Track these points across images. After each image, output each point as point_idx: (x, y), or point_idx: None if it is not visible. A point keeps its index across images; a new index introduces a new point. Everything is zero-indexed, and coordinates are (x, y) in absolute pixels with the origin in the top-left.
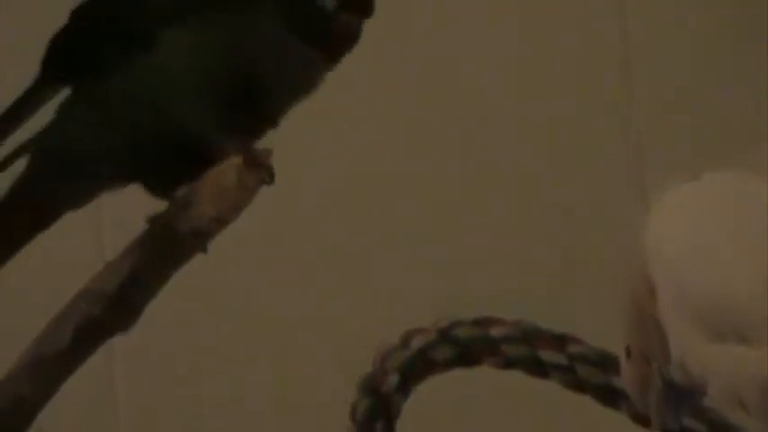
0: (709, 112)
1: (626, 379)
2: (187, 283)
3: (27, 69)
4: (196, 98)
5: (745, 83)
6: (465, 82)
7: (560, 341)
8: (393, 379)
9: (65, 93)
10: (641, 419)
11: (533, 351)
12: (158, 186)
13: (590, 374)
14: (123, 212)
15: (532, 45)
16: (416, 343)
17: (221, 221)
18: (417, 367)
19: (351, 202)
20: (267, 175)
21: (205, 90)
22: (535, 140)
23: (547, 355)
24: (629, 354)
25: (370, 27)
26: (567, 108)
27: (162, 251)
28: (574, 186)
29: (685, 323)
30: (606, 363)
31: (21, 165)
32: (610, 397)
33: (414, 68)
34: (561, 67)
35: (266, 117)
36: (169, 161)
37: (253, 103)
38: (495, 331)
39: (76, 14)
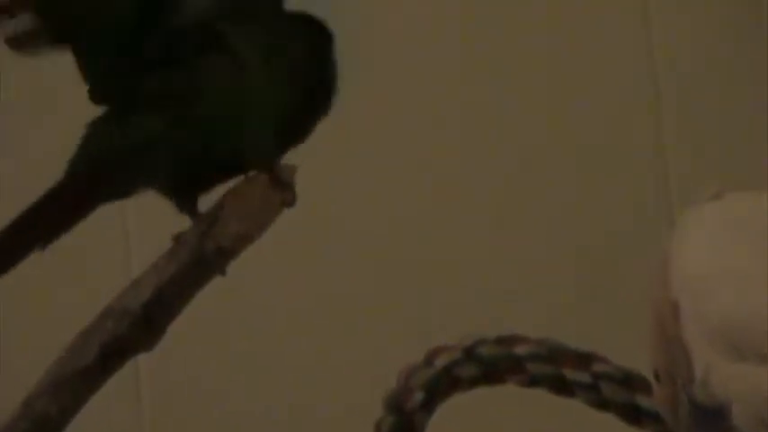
0: (737, 133)
1: (657, 399)
2: (212, 301)
3: None
4: (262, 123)
5: None
6: (495, 108)
7: (585, 360)
8: (418, 396)
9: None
10: None
11: (558, 369)
12: (186, 200)
13: (614, 393)
14: (150, 228)
15: (560, 66)
16: (441, 361)
17: (246, 239)
18: (442, 385)
19: (378, 223)
20: (290, 198)
21: (270, 115)
22: (564, 162)
23: (571, 373)
24: (657, 377)
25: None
26: (595, 130)
27: (187, 269)
28: (601, 207)
29: (707, 342)
30: (631, 381)
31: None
32: (634, 415)
33: (441, 93)
34: (590, 90)
35: (299, 137)
36: (207, 176)
37: (298, 127)
38: (520, 349)
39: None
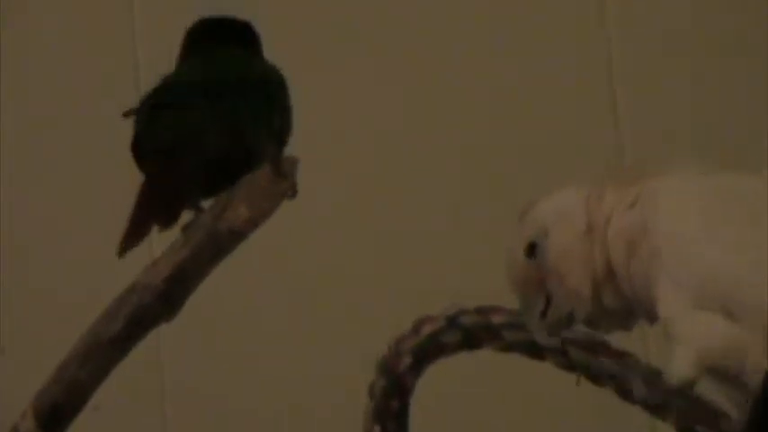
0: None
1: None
2: (224, 275)
3: None
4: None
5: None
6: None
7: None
8: (406, 360)
9: None
10: (623, 394)
11: (531, 336)
12: (199, 195)
13: (580, 356)
14: None
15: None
16: (427, 329)
17: (254, 222)
18: (428, 350)
19: (369, 205)
20: (290, 189)
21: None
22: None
23: (542, 338)
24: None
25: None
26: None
27: (203, 248)
28: None
29: (676, 287)
30: (594, 345)
31: None
32: (597, 376)
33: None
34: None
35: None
36: (225, 175)
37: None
38: (497, 319)
39: None
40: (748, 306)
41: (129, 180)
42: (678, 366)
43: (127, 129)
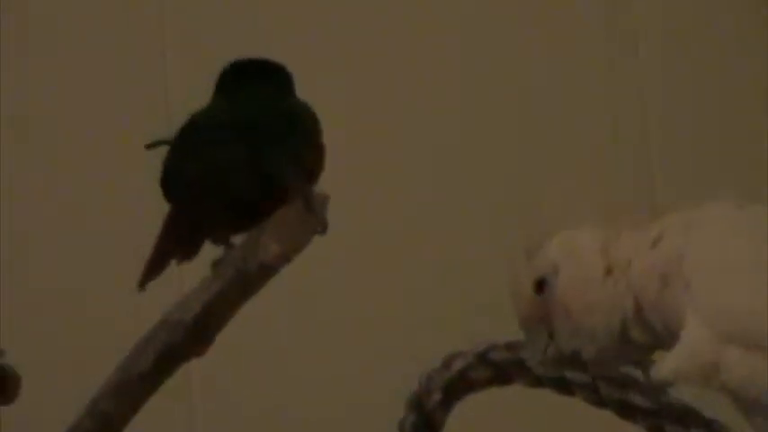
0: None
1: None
2: (254, 307)
3: None
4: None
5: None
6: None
7: (585, 363)
8: (436, 397)
9: None
10: (656, 431)
11: (560, 372)
12: (224, 234)
13: (610, 391)
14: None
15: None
16: (457, 365)
17: (285, 258)
18: (458, 386)
19: (401, 242)
20: (320, 225)
21: None
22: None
23: (572, 374)
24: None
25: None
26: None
27: (232, 285)
28: None
29: (702, 319)
30: (625, 381)
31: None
32: (628, 411)
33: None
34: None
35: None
36: (254, 211)
37: None
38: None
39: None
40: None
41: (153, 212)
42: (665, 365)
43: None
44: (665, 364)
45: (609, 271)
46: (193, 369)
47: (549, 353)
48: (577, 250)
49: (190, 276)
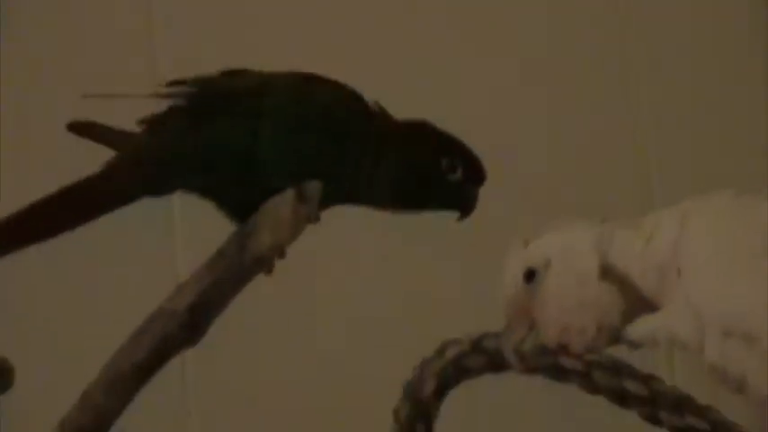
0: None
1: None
2: (249, 300)
3: None
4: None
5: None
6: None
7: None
8: (431, 384)
9: None
10: (651, 418)
11: (554, 359)
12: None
13: (604, 379)
14: (195, 236)
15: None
16: (451, 353)
17: (279, 249)
18: (452, 374)
19: (396, 230)
20: (313, 215)
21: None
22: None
23: (567, 362)
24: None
25: None
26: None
27: (227, 275)
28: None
29: (694, 309)
30: (619, 368)
31: None
32: (621, 398)
33: None
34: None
35: None
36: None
37: None
38: None
39: None
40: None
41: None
42: (639, 326)
43: None
44: (639, 326)
45: (603, 274)
46: (187, 359)
47: (526, 344)
48: (572, 248)
49: (185, 268)
